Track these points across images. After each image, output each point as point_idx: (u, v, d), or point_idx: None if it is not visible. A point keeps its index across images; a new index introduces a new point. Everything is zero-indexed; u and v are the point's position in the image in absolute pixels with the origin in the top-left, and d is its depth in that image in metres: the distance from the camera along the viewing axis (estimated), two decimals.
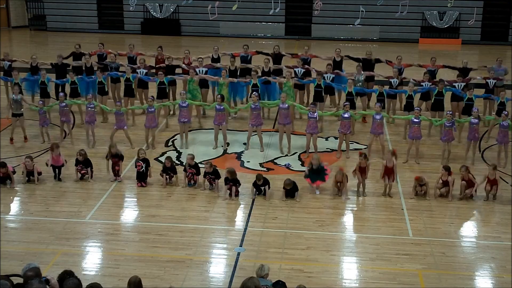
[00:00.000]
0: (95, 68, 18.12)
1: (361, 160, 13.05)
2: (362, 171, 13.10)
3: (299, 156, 15.39)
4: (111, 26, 32.49)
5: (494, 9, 30.57)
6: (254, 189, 12.95)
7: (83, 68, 18.29)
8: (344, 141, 15.26)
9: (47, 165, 13.70)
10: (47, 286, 6.59)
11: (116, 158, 13.64)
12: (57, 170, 13.66)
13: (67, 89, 17.52)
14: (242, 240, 11.23)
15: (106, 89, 17.48)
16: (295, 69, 17.93)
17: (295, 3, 31.06)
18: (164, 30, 31.36)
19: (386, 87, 16.77)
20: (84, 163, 13.70)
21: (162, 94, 16.96)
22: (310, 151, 15.18)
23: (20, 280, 7.06)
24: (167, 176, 13.49)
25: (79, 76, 17.59)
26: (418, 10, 30.00)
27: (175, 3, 31.30)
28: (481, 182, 13.01)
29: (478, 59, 25.94)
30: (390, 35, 30.73)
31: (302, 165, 14.83)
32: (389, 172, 13.04)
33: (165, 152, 15.33)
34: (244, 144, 15.81)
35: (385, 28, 30.68)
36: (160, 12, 31.69)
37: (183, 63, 18.41)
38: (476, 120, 14.68)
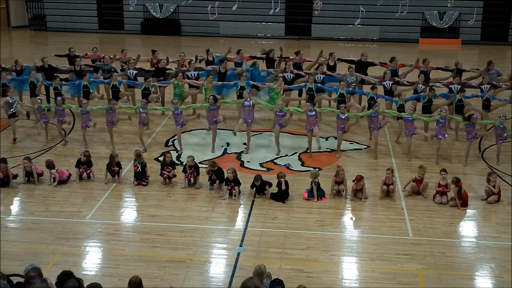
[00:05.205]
0: (83, 72, 18.10)
1: (356, 184, 13.00)
2: (357, 192, 13.08)
3: (299, 156, 15.40)
4: (111, 26, 32.49)
5: (494, 9, 30.58)
6: (254, 191, 12.95)
7: (73, 70, 18.40)
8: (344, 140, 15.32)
9: (54, 180, 13.57)
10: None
11: (117, 167, 13.70)
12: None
13: (51, 90, 17.67)
14: (242, 240, 11.23)
15: (91, 91, 17.46)
16: (284, 74, 17.85)
17: (295, 3, 31.07)
18: (164, 30, 31.36)
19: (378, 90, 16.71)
20: (86, 164, 13.75)
21: (146, 99, 16.73)
22: (312, 150, 15.24)
23: (19, 279, 7.08)
24: (167, 174, 13.52)
25: (64, 83, 17.55)
26: (418, 10, 30.01)
27: (175, 3, 31.30)
28: (485, 197, 13.02)
29: (478, 59, 25.97)
30: (390, 35, 30.73)
31: (302, 165, 14.84)
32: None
33: (166, 152, 15.30)
34: (244, 144, 15.80)
35: (385, 28, 30.69)
36: (160, 12, 31.70)
37: (178, 66, 18.41)
38: (473, 124, 14.71)
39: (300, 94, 18.33)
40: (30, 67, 18.09)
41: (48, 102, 17.79)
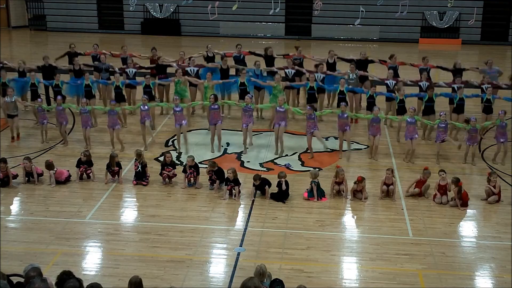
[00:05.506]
0: (84, 71, 18.02)
1: (357, 185, 12.98)
2: (357, 192, 13.06)
3: (299, 156, 15.40)
4: (111, 26, 32.49)
5: (494, 9, 30.56)
6: (255, 190, 12.95)
7: (72, 69, 18.31)
8: (344, 141, 15.28)
9: (51, 176, 13.54)
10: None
11: (117, 167, 13.70)
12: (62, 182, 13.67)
13: (51, 91, 17.67)
14: (242, 240, 11.23)
15: (94, 92, 17.41)
16: (285, 70, 17.88)
17: (295, 3, 31.05)
18: (164, 30, 31.36)
19: (378, 89, 16.63)
20: (87, 164, 13.75)
21: (149, 96, 16.50)
22: (320, 150, 15.27)
23: (19, 279, 7.08)
24: (167, 173, 13.52)
25: (65, 82, 17.48)
26: (418, 10, 29.99)
27: (175, 3, 31.30)
28: (485, 197, 13.01)
29: (478, 59, 25.93)
30: (390, 35, 30.73)
31: (302, 165, 14.84)
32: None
33: (166, 152, 15.29)
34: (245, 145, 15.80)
35: (385, 28, 30.68)
36: (160, 12, 31.69)
37: (177, 64, 18.38)
38: (475, 129, 14.70)
39: (299, 92, 18.37)
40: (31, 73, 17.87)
41: (48, 104, 17.76)
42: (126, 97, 17.51)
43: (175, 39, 30.50)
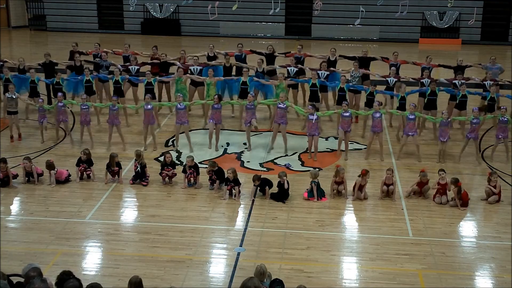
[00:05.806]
0: (85, 67, 18.00)
1: (362, 178, 12.96)
2: (360, 188, 13.06)
3: (299, 156, 15.40)
4: (111, 26, 32.51)
5: (494, 9, 30.60)
6: (255, 190, 12.94)
7: (73, 65, 18.28)
8: (343, 141, 15.27)
9: (51, 176, 13.56)
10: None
11: (117, 167, 13.69)
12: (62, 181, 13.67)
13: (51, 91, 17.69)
14: (242, 240, 11.23)
15: (94, 88, 17.39)
16: (287, 67, 17.91)
17: (295, 3, 31.08)
18: (164, 30, 31.38)
19: (378, 88, 16.62)
20: (87, 163, 13.75)
21: (152, 94, 16.45)
22: (311, 151, 15.21)
23: (19, 279, 7.08)
24: (167, 173, 13.51)
25: (65, 78, 17.48)
26: (418, 10, 30.02)
27: (175, 3, 31.31)
28: (485, 197, 13.00)
29: (478, 59, 25.91)
30: (390, 35, 30.75)
31: (302, 165, 14.84)
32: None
33: (166, 152, 15.28)
34: (244, 144, 15.81)
35: (385, 28, 30.71)
36: (160, 12, 31.71)
37: (179, 61, 18.35)
38: (477, 120, 14.70)
39: (297, 87, 18.34)
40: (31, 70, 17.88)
41: (49, 103, 17.76)
42: (125, 93, 17.47)
43: (175, 39, 30.50)
